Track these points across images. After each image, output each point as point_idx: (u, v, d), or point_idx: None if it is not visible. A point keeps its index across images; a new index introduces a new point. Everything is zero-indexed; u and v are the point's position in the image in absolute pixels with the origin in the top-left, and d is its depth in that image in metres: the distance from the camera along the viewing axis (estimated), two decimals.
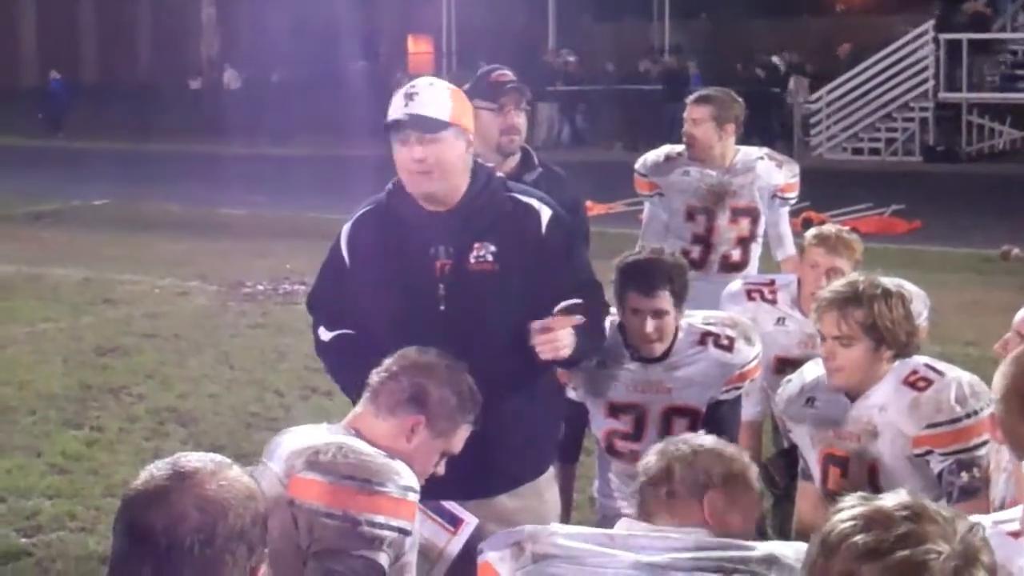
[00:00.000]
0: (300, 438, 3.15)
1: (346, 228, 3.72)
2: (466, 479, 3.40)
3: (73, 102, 30.16)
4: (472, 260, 3.55)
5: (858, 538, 1.86)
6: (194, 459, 2.08)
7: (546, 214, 3.63)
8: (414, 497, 3.05)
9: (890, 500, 1.92)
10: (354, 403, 3.34)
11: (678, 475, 2.81)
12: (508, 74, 4.63)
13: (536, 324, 3.48)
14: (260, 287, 11.51)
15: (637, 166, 6.03)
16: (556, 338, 3.46)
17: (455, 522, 3.46)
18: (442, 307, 3.54)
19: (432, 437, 3.21)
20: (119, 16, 38.92)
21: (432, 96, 3.54)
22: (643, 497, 2.85)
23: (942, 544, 1.85)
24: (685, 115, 5.85)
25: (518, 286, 3.56)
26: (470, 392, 3.27)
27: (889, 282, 3.78)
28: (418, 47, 39.00)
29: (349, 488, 2.98)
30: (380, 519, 2.97)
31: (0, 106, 30.60)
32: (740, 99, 5.89)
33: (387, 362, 3.27)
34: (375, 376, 3.27)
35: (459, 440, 3.28)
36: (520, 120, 4.55)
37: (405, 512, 3.02)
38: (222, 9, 35.70)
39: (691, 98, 5.90)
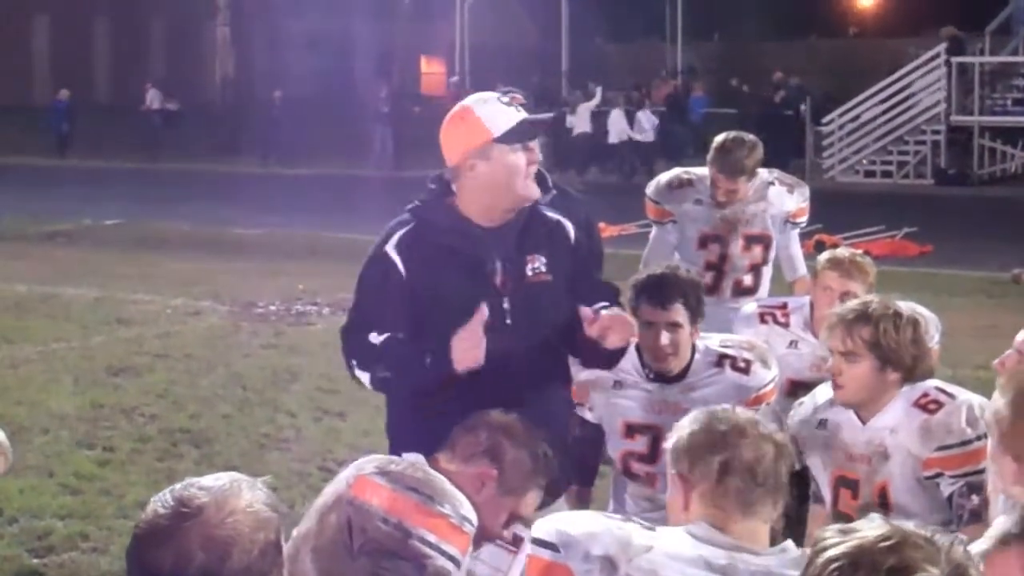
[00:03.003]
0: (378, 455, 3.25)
1: (392, 244, 3.65)
2: None
3: (78, 122, 30.23)
4: (529, 272, 3.65)
5: None
6: (201, 490, 2.05)
7: (570, 227, 3.80)
8: (470, 529, 3.06)
9: (870, 531, 1.89)
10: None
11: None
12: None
13: (591, 315, 3.56)
14: (272, 307, 11.53)
15: (649, 192, 5.95)
16: (624, 323, 3.56)
17: (516, 541, 3.43)
18: (508, 320, 3.59)
19: (501, 494, 3.25)
20: (133, 35, 39.12)
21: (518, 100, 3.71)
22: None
23: (931, 568, 1.83)
24: (718, 182, 5.69)
25: (566, 294, 3.66)
26: (545, 458, 3.32)
27: (904, 306, 3.81)
28: (431, 67, 39.16)
29: (410, 499, 3.02)
30: (432, 538, 2.99)
31: (13, 125, 30.70)
32: (756, 139, 5.76)
33: (471, 418, 3.33)
34: (456, 429, 3.32)
35: (529, 504, 3.32)
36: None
37: (458, 540, 3.03)
38: (236, 29, 35.86)
39: (725, 168, 5.66)
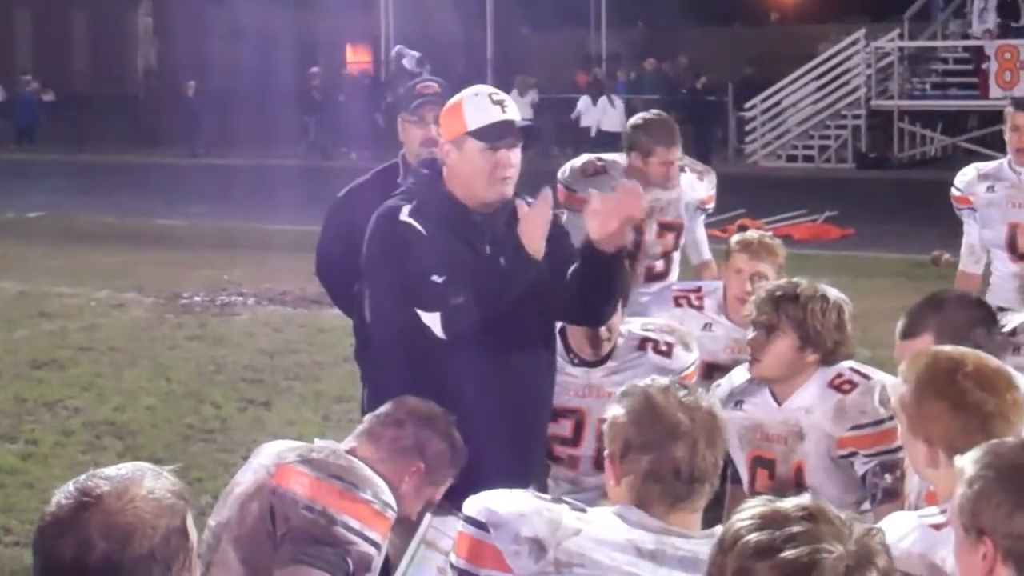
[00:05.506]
0: (294, 441, 3.31)
1: (407, 214, 3.65)
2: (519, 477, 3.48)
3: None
4: None
5: (751, 536, 1.89)
6: (103, 479, 2.07)
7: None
8: (391, 515, 3.14)
9: (790, 501, 1.93)
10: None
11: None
12: (433, 86, 4.62)
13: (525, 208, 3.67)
14: (197, 298, 11.45)
15: (562, 178, 5.62)
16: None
17: None
18: None
19: (424, 485, 3.33)
20: (55, 26, 38.53)
21: (514, 106, 3.72)
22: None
23: (835, 545, 1.86)
24: (657, 155, 5.44)
25: (540, 278, 3.69)
26: (461, 446, 3.39)
27: (832, 291, 3.88)
28: (357, 56, 38.90)
29: (334, 487, 3.08)
30: (355, 525, 3.05)
31: None
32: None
33: (388, 407, 3.38)
34: (374, 419, 3.36)
35: (442, 491, 3.40)
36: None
37: (380, 526, 3.09)
38: (159, 19, 35.46)
39: (664, 140, 5.43)
